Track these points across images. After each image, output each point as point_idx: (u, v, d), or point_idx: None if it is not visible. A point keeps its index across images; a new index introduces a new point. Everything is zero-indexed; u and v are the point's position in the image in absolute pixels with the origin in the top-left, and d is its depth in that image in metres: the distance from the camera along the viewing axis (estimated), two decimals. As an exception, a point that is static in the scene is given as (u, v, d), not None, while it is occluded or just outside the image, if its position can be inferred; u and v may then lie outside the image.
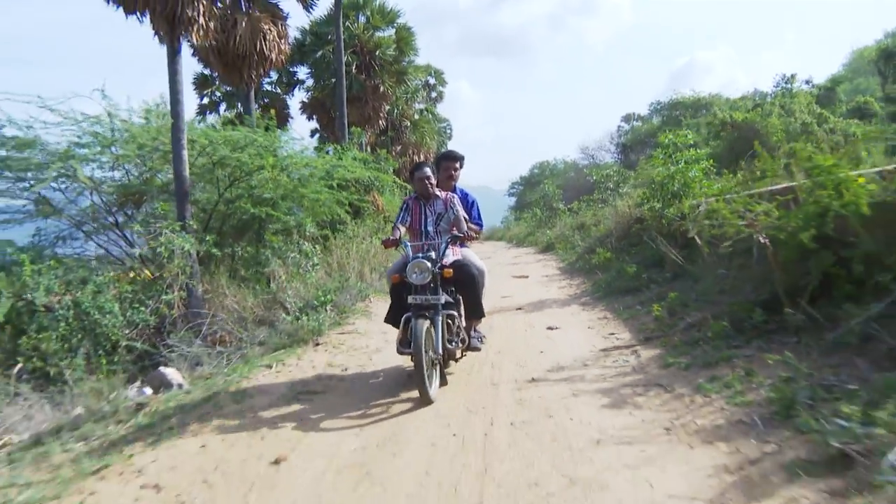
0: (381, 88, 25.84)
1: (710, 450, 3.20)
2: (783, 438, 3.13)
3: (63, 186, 11.88)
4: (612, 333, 6.33)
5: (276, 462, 3.57)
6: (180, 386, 5.92)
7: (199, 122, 22.90)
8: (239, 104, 26.13)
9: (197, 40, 11.66)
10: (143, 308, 8.78)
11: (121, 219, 12.40)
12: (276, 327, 8.13)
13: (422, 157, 35.22)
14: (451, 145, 62.08)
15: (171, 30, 11.22)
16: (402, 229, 5.32)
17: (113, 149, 11.77)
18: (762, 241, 5.06)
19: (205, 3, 11.39)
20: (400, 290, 4.92)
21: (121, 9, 11.13)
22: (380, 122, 26.93)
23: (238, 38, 15.89)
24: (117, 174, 12.53)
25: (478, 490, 3.07)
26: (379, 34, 26.18)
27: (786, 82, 38.69)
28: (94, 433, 4.27)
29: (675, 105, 40.58)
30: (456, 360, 5.34)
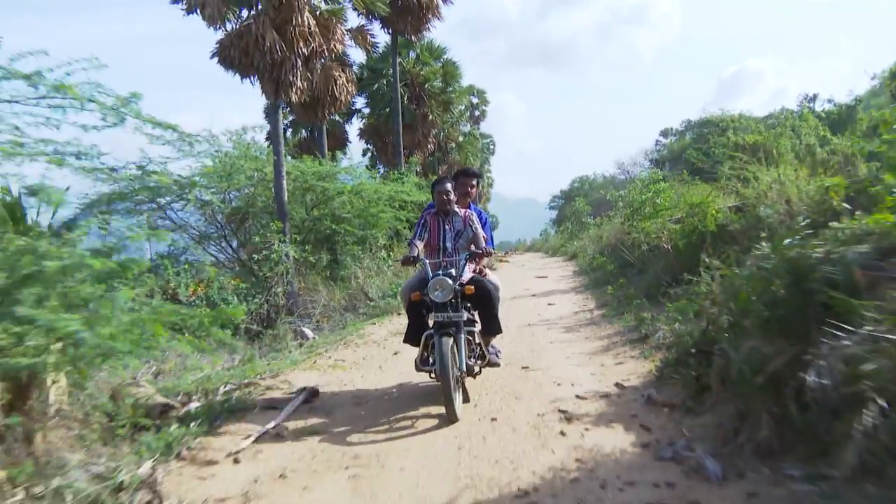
0: (430, 117, 29.75)
1: (599, 341, 6.90)
2: (629, 332, 6.78)
3: (181, 206, 15.92)
4: (585, 306, 10.01)
5: (395, 354, 7.28)
6: (314, 338, 9.72)
7: (269, 145, 27.10)
8: (303, 130, 30.58)
9: (295, 98, 15.64)
10: (254, 300, 12.50)
11: (228, 233, 16.43)
12: (359, 311, 11.95)
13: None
14: (495, 159, 65.89)
15: (275, 90, 15.23)
16: (420, 245, 5.34)
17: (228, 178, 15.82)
18: (666, 246, 8.67)
19: (300, 69, 15.36)
20: (418, 307, 5.04)
21: (237, 74, 15.23)
22: (428, 145, 30.86)
23: (314, 84, 19.90)
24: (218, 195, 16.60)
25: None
26: (427, 68, 30.11)
27: (809, 101, 41.36)
28: (287, 352, 8.08)
29: (705, 123, 43.45)
30: (474, 377, 5.36)
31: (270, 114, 15.52)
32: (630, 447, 3.78)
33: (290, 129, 31.93)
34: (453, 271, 4.98)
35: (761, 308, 3.48)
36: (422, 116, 29.67)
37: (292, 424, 4.70)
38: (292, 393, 5.51)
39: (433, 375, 5.03)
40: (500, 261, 30.76)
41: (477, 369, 5.22)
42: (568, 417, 4.44)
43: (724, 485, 3.10)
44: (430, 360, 4.83)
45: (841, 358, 2.75)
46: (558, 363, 6.22)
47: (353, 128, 32.41)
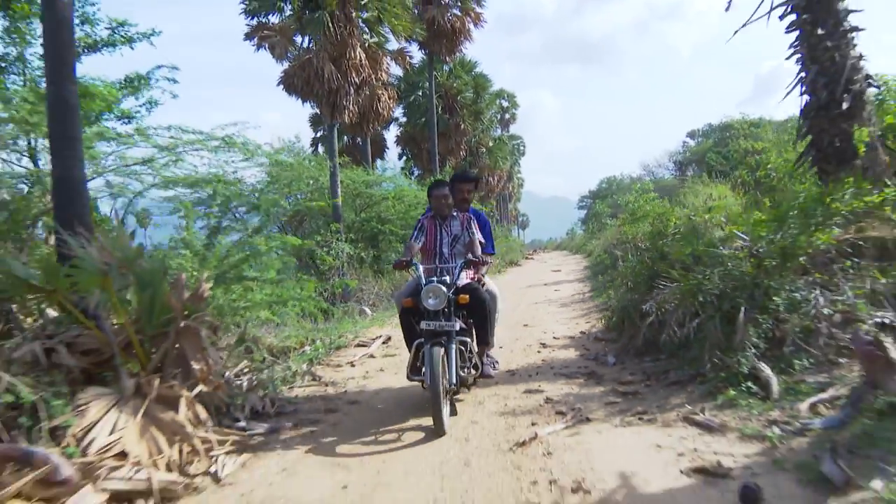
0: (462, 126, 32.85)
1: (580, 311, 9.91)
2: (602, 306, 9.78)
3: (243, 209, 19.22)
4: (581, 290, 12.99)
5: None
6: (371, 315, 12.83)
7: (313, 151, 30.48)
8: (346, 136, 33.85)
9: (347, 120, 18.82)
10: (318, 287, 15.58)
11: (289, 232, 19.66)
12: (402, 297, 15.09)
13: (496, 178, 42.24)
14: (526, 159, 68.73)
15: (331, 113, 18.41)
16: (416, 248, 5.33)
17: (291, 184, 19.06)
18: (640, 244, 11.58)
19: (352, 95, 18.52)
20: (411, 314, 4.91)
21: (298, 98, 18.45)
22: (461, 152, 33.95)
23: (361, 103, 23.07)
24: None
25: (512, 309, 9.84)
26: (459, 81, 33.18)
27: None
28: (355, 321, 11.16)
29: (726, 127, 45.76)
30: (468, 388, 5.34)
31: (328, 133, 18.74)
32: (573, 356, 6.87)
33: (326, 130, 35.30)
34: (448, 278, 4.88)
35: (640, 278, 6.51)
36: (454, 125, 32.80)
37: (378, 351, 7.82)
38: (372, 338, 8.61)
39: (424, 385, 4.80)
40: (527, 258, 33.78)
41: (470, 380, 5.12)
42: (545, 345, 7.53)
43: (612, 367, 6.13)
44: (423, 369, 4.65)
45: (657, 301, 5.79)
46: (548, 323, 9.29)
47: (391, 134, 35.61)
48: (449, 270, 5.11)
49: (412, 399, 5.41)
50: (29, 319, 5.22)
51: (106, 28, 13.17)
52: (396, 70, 23.43)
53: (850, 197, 5.48)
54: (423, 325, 4.64)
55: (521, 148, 66.48)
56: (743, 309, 4.94)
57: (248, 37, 19.13)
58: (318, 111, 31.44)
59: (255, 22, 18.86)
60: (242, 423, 4.84)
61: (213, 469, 3.93)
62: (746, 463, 3.48)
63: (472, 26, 26.56)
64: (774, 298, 5.05)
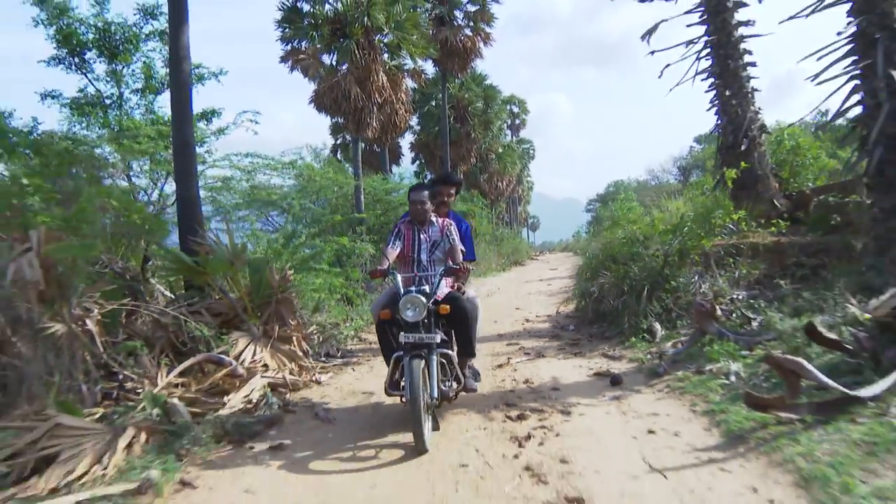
0: (472, 134, 35.61)
1: (562, 300, 12.59)
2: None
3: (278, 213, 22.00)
4: (568, 284, 15.69)
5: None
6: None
7: (334, 156, 33.31)
8: (365, 144, 36.61)
9: (370, 134, 21.59)
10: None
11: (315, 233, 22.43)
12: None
13: (504, 182, 44.97)
14: (539, 161, 71.17)
15: (356, 128, 21.18)
16: (393, 255, 5.08)
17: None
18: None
19: (375, 113, 21.28)
20: (388, 326, 4.77)
21: (327, 115, 21.27)
22: (471, 158, 36.70)
23: (382, 119, 25.84)
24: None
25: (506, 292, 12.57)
26: (470, 93, 35.93)
27: (821, 115, 45.76)
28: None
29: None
30: (450, 402, 5.18)
31: (352, 147, 21.57)
32: (546, 326, 9.60)
33: (352, 144, 38.20)
34: (427, 288, 4.70)
35: (592, 270, 9.23)
36: (465, 134, 35.55)
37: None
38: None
39: (404, 400, 4.69)
40: (532, 258, 36.42)
41: (451, 394, 4.95)
42: (528, 320, 10.25)
43: (570, 331, 8.85)
44: (401, 383, 4.58)
45: (599, 285, 8.51)
46: (535, 306, 12.01)
47: (406, 141, 38.25)
48: (428, 279, 4.90)
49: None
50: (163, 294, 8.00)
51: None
52: (411, 83, 26.32)
53: (721, 215, 8.15)
54: (402, 337, 4.50)
55: (532, 152, 68.83)
56: (646, 288, 7.65)
57: (283, 59, 21.93)
58: (337, 120, 34.25)
59: (289, 47, 21.62)
60: (323, 359, 7.61)
61: (315, 377, 6.70)
62: (624, 371, 6.20)
63: (482, 45, 29.27)
64: (672, 282, 7.76)
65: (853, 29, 6.92)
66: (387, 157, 28.71)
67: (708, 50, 9.79)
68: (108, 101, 12.89)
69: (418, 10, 23.32)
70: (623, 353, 6.98)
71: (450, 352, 4.81)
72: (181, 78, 8.86)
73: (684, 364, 5.91)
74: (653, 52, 10.04)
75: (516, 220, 70.13)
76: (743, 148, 9.37)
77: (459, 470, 3.89)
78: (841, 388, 3.96)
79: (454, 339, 5.03)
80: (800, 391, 4.09)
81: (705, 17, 9.79)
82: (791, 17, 7.58)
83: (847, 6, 6.99)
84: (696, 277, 7.69)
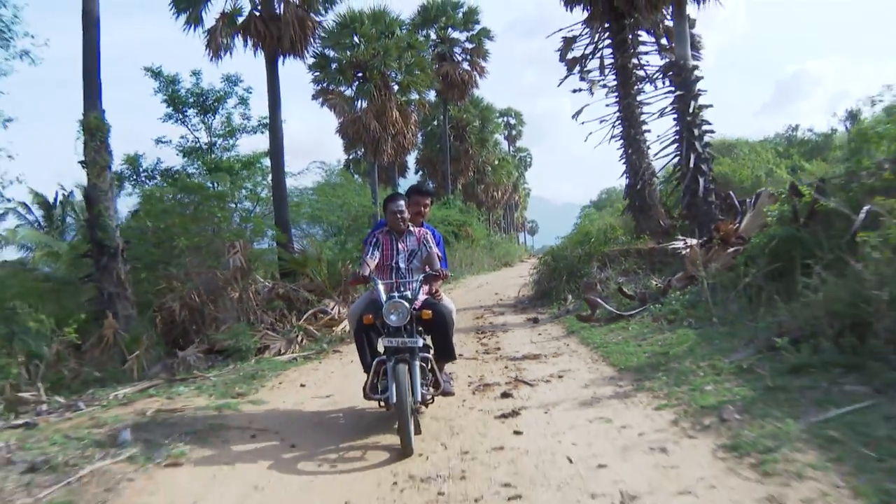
0: (470, 151, 41.13)
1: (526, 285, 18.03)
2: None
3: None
4: (539, 279, 21.13)
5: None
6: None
7: (346, 169, 38.73)
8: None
9: (385, 159, 27.01)
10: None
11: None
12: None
13: (500, 192, 50.51)
14: (531, 173, 75.85)
15: (374, 155, 26.65)
16: (372, 264, 5.19)
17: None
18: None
19: (389, 142, 26.70)
20: (368, 331, 4.91)
21: (348, 143, 26.74)
22: (469, 171, 42.23)
23: (394, 146, 31.30)
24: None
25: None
26: (468, 114, 41.44)
27: (792, 131, 50.99)
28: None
29: (705, 146, 53.29)
30: (426, 405, 5.27)
31: (372, 172, 27.15)
32: (510, 301, 15.00)
33: (363, 159, 43.70)
34: (409, 293, 4.87)
35: (542, 265, 14.71)
36: (464, 151, 41.15)
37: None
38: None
39: (382, 404, 5.00)
40: (522, 261, 41.82)
41: (430, 398, 5.09)
42: (501, 299, 15.68)
43: (526, 305, 14.26)
44: (380, 387, 4.77)
45: (541, 275, 13.96)
46: (509, 290, 17.45)
47: (411, 157, 43.61)
48: (407, 285, 5.10)
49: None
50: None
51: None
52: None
53: (613, 231, 13.53)
54: (386, 341, 4.70)
55: (528, 160, 73.96)
56: (565, 276, 13.05)
57: (315, 97, 27.46)
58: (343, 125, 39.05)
59: (320, 87, 26.98)
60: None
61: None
62: (542, 318, 11.57)
63: (478, 78, 34.76)
64: (581, 273, 13.16)
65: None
66: (396, 171, 34.15)
67: (619, 122, 15.23)
68: (204, 146, 18.31)
69: (423, 55, 28.66)
70: (546, 311, 12.37)
71: (429, 356, 4.98)
72: (278, 141, 14.41)
73: (559, 318, 11.32)
74: (583, 122, 15.50)
75: (513, 225, 75.49)
76: (639, 187, 14.77)
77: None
78: (617, 311, 9.38)
79: (432, 343, 5.18)
80: (596, 312, 9.53)
81: (617, 100, 15.22)
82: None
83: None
84: (596, 269, 13.06)
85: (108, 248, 10.35)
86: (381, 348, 4.90)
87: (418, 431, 4.65)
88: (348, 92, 27.35)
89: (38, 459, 4.31)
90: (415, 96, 28.41)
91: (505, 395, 5.97)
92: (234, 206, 14.15)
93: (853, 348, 4.92)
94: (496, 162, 48.60)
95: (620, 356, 7.10)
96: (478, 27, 34.38)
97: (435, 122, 40.69)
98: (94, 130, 10.56)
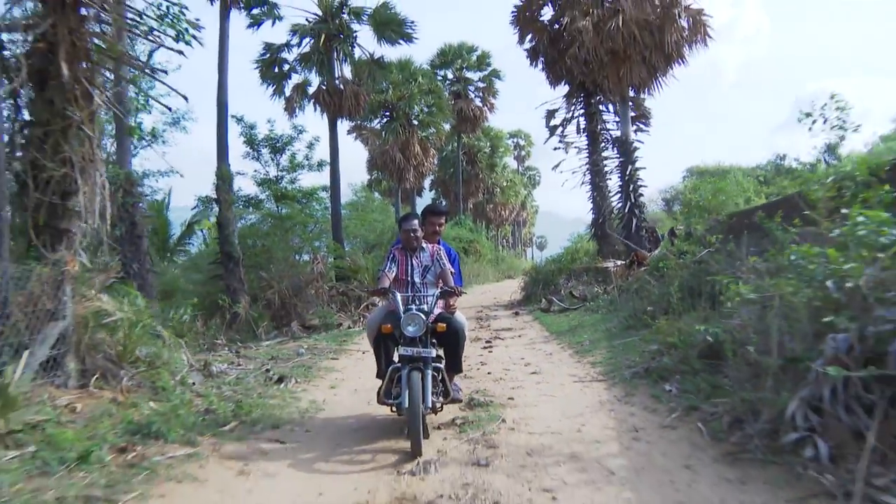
0: (480, 175, 46.72)
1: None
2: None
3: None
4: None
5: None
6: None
7: (369, 188, 44.31)
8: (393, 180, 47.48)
9: (408, 186, 32.58)
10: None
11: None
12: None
13: (507, 210, 56.05)
14: (543, 189, 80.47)
15: (399, 181, 32.26)
16: (389, 278, 5.62)
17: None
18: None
19: (412, 171, 32.25)
20: (387, 340, 5.27)
21: (379, 175, 32.35)
22: (479, 193, 47.85)
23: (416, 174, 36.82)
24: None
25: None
26: (480, 142, 47.05)
27: (780, 160, 55.86)
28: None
29: (702, 172, 58.03)
30: (435, 413, 5.56)
31: (395, 194, 32.74)
32: (505, 304, 20.48)
33: (384, 181, 49.30)
34: (426, 307, 5.25)
35: (532, 273, 20.27)
36: (474, 174, 46.78)
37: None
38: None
39: (394, 409, 5.29)
40: (524, 274, 47.19)
41: (439, 406, 5.41)
42: (497, 302, 21.16)
43: (517, 305, 19.75)
44: (393, 393, 5.11)
45: (526, 283, 19.53)
46: (504, 294, 22.80)
47: (427, 180, 49.15)
48: (422, 299, 5.43)
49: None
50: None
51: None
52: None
53: (580, 252, 19.01)
54: (402, 350, 5.06)
55: (537, 178, 78.93)
56: (541, 285, 18.56)
57: (350, 132, 33.17)
58: (371, 155, 44.23)
59: (354, 123, 32.60)
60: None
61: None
62: (521, 312, 17.06)
63: (488, 112, 40.30)
64: (554, 282, 18.64)
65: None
66: (413, 192, 39.86)
67: (587, 173, 20.69)
68: (272, 178, 23.96)
69: (441, 97, 34.18)
70: (526, 308, 17.84)
71: (441, 366, 5.31)
72: (335, 181, 20.11)
73: (531, 310, 16.78)
74: (561, 172, 20.96)
75: (520, 241, 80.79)
76: (601, 221, 20.19)
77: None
78: (565, 306, 14.88)
79: (444, 355, 5.50)
80: (552, 307, 15.05)
81: (588, 157, 20.71)
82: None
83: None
84: (563, 280, 18.48)
85: (234, 257, 15.88)
86: (395, 357, 5.29)
87: (426, 436, 5.07)
88: (376, 126, 33.03)
89: (270, 358, 9.89)
90: (433, 131, 33.90)
91: (487, 342, 11.44)
92: (311, 228, 19.75)
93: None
94: (505, 183, 54.02)
95: (553, 326, 12.75)
96: (489, 68, 39.74)
97: (449, 148, 46.12)
98: (224, 177, 16.13)
